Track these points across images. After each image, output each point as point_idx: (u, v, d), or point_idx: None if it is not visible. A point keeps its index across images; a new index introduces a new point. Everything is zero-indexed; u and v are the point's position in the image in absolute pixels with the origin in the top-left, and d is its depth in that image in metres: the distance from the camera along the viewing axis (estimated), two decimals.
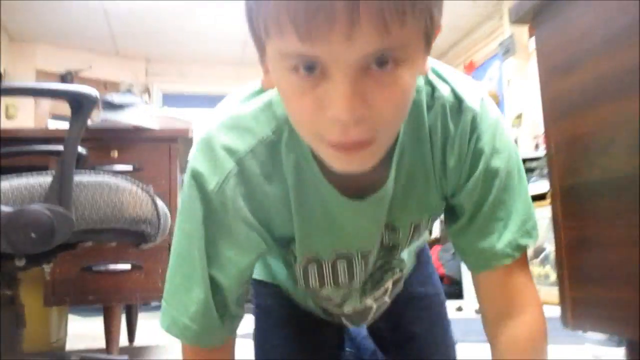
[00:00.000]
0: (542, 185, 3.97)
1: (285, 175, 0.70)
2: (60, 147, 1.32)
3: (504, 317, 0.74)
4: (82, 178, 1.34)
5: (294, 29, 0.50)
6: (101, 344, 2.10)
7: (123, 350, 2.08)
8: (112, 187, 1.35)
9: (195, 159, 0.70)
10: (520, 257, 0.75)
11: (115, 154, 2.09)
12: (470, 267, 0.78)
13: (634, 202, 0.84)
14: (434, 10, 0.56)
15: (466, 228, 0.76)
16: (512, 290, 0.75)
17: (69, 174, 1.28)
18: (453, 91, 0.72)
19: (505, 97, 5.34)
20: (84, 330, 3.03)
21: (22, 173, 1.33)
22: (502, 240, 0.73)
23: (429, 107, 0.71)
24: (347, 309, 0.90)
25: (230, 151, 0.68)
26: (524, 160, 3.31)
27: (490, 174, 0.72)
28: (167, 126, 2.21)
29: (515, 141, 5.08)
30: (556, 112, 1.03)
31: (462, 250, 0.79)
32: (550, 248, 3.79)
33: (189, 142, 2.30)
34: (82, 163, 1.69)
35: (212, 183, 0.68)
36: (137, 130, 2.11)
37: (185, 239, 0.72)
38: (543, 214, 3.88)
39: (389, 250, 0.83)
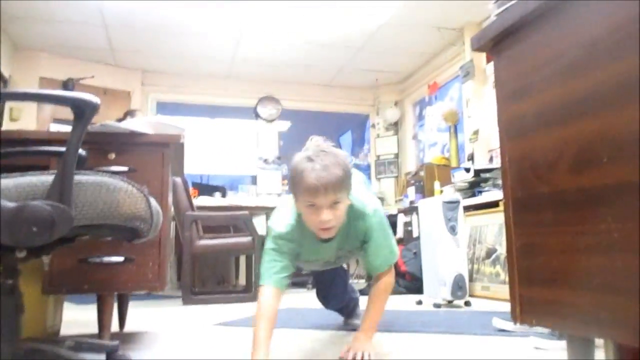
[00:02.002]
0: (494, 194, 4.03)
1: (301, 236, 1.72)
2: (62, 149, 1.29)
3: (374, 285, 1.84)
4: (81, 177, 1.32)
5: (308, 197, 1.56)
6: (93, 330, 2.07)
7: (114, 336, 2.04)
8: (109, 186, 1.33)
9: (273, 224, 1.76)
10: (387, 269, 1.84)
11: (112, 156, 2.06)
12: (367, 272, 2.30)
13: (574, 213, 0.86)
14: (349, 188, 1.63)
15: (365, 257, 1.85)
16: (379, 279, 1.83)
17: (70, 174, 1.26)
18: (362, 204, 1.76)
19: (464, 115, 5.41)
20: (77, 317, 2.98)
21: (26, 172, 1.30)
22: (377, 264, 1.83)
23: (351, 213, 1.73)
24: (319, 268, 2.10)
25: (288, 224, 1.72)
26: (480, 171, 3.46)
27: (372, 238, 1.79)
28: (160, 132, 2.19)
29: (472, 155, 5.14)
30: (510, 131, 1.04)
31: (364, 265, 1.93)
32: (500, 250, 3.84)
33: (180, 147, 2.28)
34: (81, 164, 1.66)
35: (282, 231, 1.71)
36: (133, 135, 2.09)
37: (269, 252, 1.70)
38: (495, 219, 3.95)
39: (339, 257, 1.93)
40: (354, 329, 2.10)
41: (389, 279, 1.83)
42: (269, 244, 1.71)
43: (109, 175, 1.37)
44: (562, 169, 0.89)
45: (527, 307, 0.97)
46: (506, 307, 1.05)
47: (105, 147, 2.06)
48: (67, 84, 5.46)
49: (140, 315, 3.13)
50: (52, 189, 1.24)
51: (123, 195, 1.33)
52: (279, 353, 1.82)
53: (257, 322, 1.56)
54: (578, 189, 0.85)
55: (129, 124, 2.14)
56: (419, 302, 3.57)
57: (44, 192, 1.24)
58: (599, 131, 0.82)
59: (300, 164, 1.57)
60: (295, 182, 1.58)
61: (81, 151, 1.59)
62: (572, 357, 0.98)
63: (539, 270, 0.95)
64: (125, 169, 2.04)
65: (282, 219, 1.72)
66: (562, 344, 1.78)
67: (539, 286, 0.94)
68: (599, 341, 0.98)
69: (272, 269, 1.66)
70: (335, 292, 2.29)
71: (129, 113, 4.27)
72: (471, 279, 3.96)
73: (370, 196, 1.86)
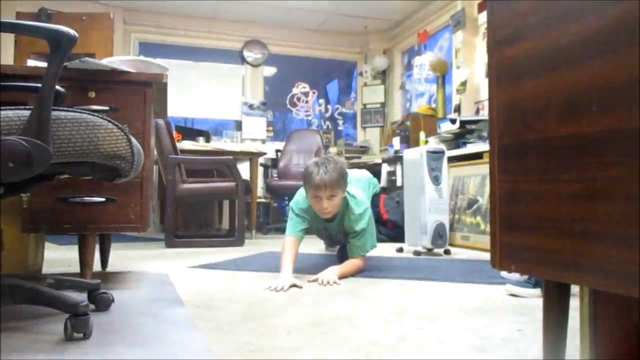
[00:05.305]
0: (478, 146, 4.04)
1: (312, 215, 2.45)
2: (38, 84, 1.25)
3: (350, 258, 2.48)
4: (59, 114, 1.28)
5: (314, 191, 2.30)
6: (76, 269, 2.07)
7: (96, 276, 2.05)
8: (89, 123, 1.29)
9: (296, 204, 2.48)
10: (361, 255, 2.47)
11: (92, 94, 2.00)
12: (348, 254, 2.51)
13: (560, 161, 0.85)
14: (344, 187, 2.36)
15: (348, 243, 2.50)
16: (354, 258, 2.46)
17: (47, 109, 1.22)
18: (355, 202, 2.46)
19: (453, 66, 5.35)
20: (60, 257, 2.98)
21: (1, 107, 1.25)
22: (354, 251, 2.47)
23: (348, 207, 2.46)
24: (328, 240, 2.95)
25: (304, 206, 2.45)
26: (466, 123, 3.50)
27: (357, 229, 2.44)
28: (142, 71, 2.12)
29: (459, 106, 5.12)
30: (500, 77, 1.02)
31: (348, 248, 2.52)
32: (481, 201, 3.89)
33: (163, 87, 2.22)
34: (60, 101, 1.61)
35: (302, 207, 2.46)
36: (114, 73, 2.02)
37: (293, 216, 2.45)
38: (478, 171, 3.97)
39: (338, 236, 2.65)
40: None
41: (360, 263, 2.46)
42: (293, 211, 2.45)
43: (88, 113, 1.34)
44: (550, 116, 0.88)
45: (507, 253, 0.98)
46: (485, 256, 1.07)
47: (85, 84, 2.00)
48: (40, 15, 5.12)
49: (122, 255, 3.14)
50: (29, 125, 1.20)
51: (103, 132, 1.30)
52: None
53: (282, 255, 2.29)
54: (565, 137, 0.84)
55: (110, 61, 2.07)
56: (400, 250, 3.63)
57: (20, 127, 1.20)
58: (590, 78, 0.80)
59: (310, 167, 2.31)
60: (306, 180, 2.31)
61: (59, 88, 1.54)
62: (547, 303, 1.00)
63: (520, 217, 0.95)
64: (106, 107, 1.99)
65: (301, 203, 2.46)
66: (537, 291, 1.83)
67: (519, 233, 0.95)
68: (574, 289, 1.00)
69: (294, 227, 2.41)
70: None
71: None
72: (452, 229, 4.02)
73: (365, 200, 2.53)
